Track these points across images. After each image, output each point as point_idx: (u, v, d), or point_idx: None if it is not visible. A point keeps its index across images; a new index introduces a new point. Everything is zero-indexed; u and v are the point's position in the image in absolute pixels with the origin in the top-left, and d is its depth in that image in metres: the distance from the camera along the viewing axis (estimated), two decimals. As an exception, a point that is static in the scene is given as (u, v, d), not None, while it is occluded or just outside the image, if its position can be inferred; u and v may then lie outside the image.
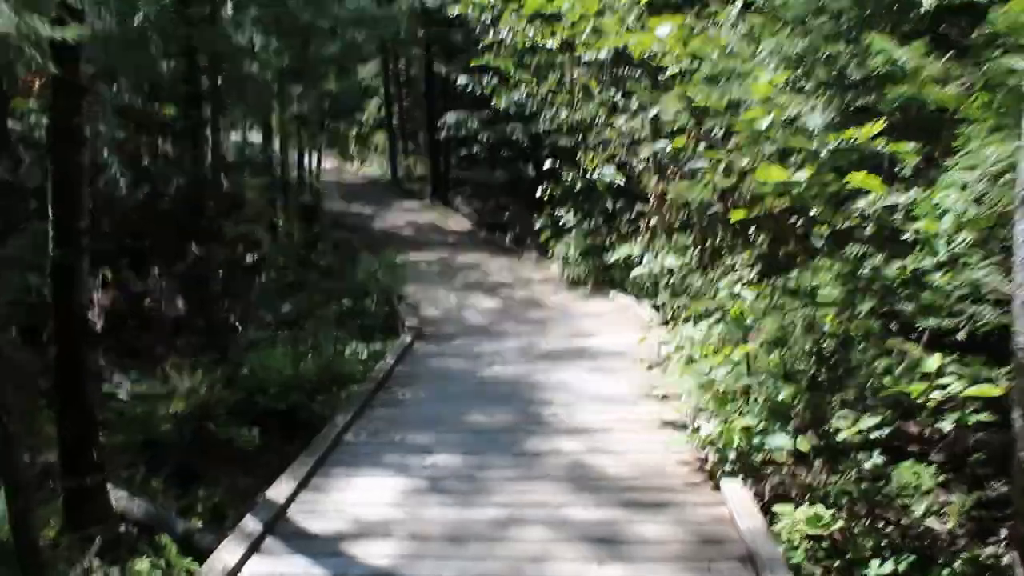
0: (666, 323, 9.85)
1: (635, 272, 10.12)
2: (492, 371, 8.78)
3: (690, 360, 7.11)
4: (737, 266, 7.49)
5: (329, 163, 33.31)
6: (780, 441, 5.50)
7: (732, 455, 5.54)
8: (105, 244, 14.30)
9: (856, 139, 5.45)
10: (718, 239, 8.39)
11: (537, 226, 14.50)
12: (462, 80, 18.65)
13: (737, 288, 7.03)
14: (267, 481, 5.66)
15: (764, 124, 6.04)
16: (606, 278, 13.13)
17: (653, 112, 9.53)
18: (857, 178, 5.20)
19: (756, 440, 5.57)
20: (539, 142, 22.13)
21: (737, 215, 6.61)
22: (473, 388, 8.17)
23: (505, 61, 15.40)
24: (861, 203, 5.50)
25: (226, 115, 14.86)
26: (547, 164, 13.18)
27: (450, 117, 20.75)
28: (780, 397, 5.83)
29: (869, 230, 5.69)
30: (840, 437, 5.29)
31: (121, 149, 13.60)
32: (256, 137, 23.32)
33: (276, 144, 19.88)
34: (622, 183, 12.58)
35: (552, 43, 12.99)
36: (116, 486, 6.54)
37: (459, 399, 7.76)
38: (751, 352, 6.25)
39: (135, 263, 13.69)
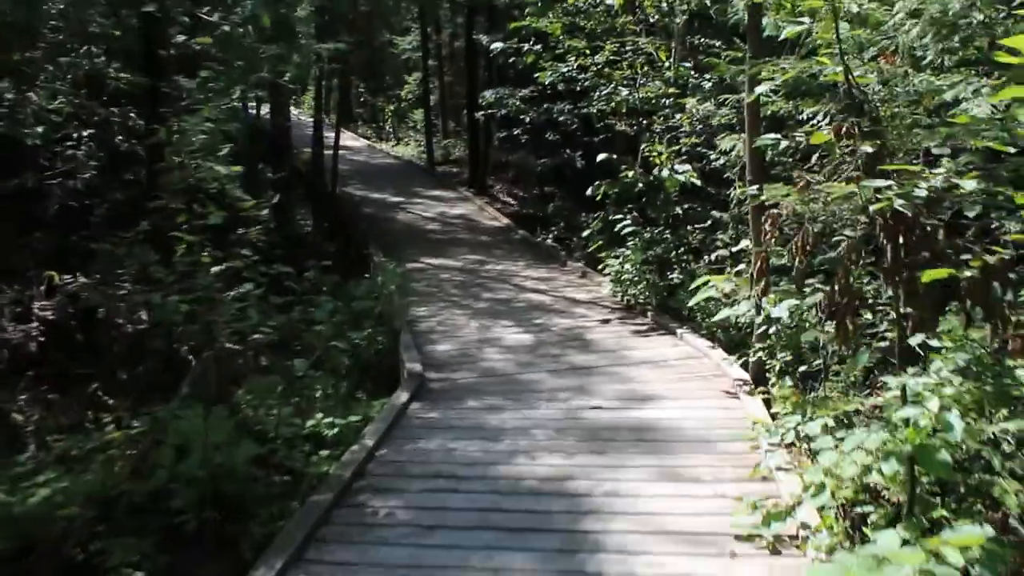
0: (763, 394, 6.97)
1: (722, 315, 7.22)
2: (515, 467, 5.97)
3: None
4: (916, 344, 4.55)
5: (359, 141, 30.72)
6: None
7: None
8: (47, 240, 11.85)
9: None
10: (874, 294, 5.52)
11: (586, 233, 11.61)
12: (496, 47, 15.84)
13: (916, 382, 4.14)
14: None
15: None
16: (670, 306, 10.25)
17: (756, 89, 6.60)
18: None
19: None
20: (591, 126, 19.30)
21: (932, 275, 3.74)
22: (486, 504, 5.37)
23: (553, 25, 12.57)
24: None
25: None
26: (601, 156, 10.23)
27: (488, 93, 17.89)
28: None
29: None
30: None
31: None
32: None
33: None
34: (697, 183, 9.69)
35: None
36: None
37: (462, 529, 5.01)
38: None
39: (84, 263, 11.16)
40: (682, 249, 10.73)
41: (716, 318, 7.68)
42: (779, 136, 5.96)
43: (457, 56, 30.05)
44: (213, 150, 10.64)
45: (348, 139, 31.25)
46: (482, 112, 20.86)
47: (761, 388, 7.06)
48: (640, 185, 9.98)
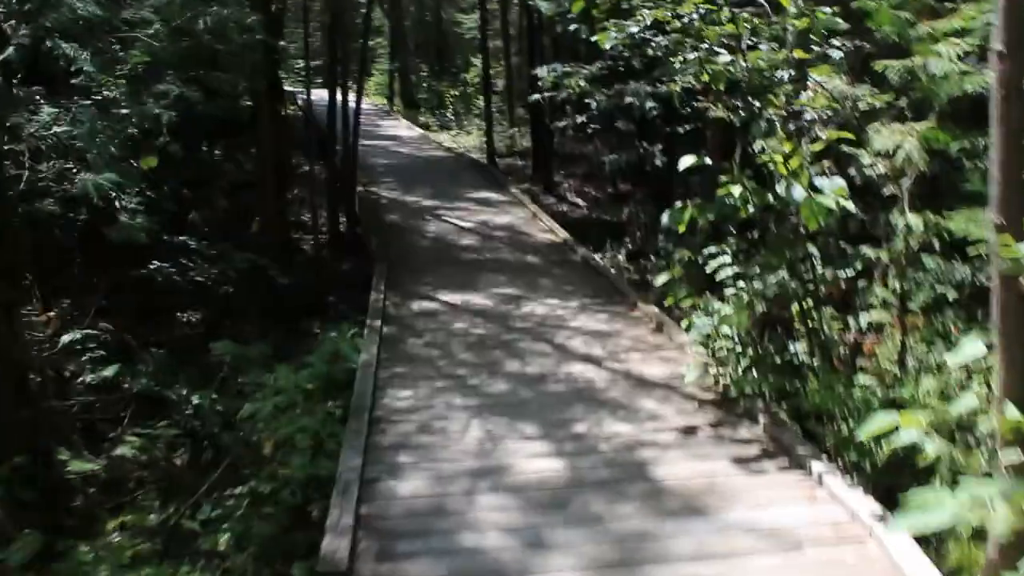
0: None
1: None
2: None
3: None
4: None
5: (413, 130, 27.22)
6: None
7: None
8: None
9: None
10: None
11: (661, 279, 7.63)
12: (544, 6, 12.08)
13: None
14: None
15: None
16: (796, 405, 6.29)
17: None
18: None
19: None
20: (674, 110, 15.25)
21: None
22: None
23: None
24: None
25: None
26: (687, 161, 6.17)
27: (542, 70, 14.00)
28: None
29: None
30: None
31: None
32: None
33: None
34: (851, 209, 5.66)
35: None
36: None
37: None
38: None
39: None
40: (812, 306, 6.72)
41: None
42: None
43: (524, 34, 26.17)
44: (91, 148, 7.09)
45: (402, 128, 27.82)
46: (539, 95, 17.04)
47: None
48: (751, 208, 5.98)
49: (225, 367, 7.18)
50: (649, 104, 13.72)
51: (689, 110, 14.50)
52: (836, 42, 7.49)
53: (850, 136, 6.12)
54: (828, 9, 6.49)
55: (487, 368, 7.72)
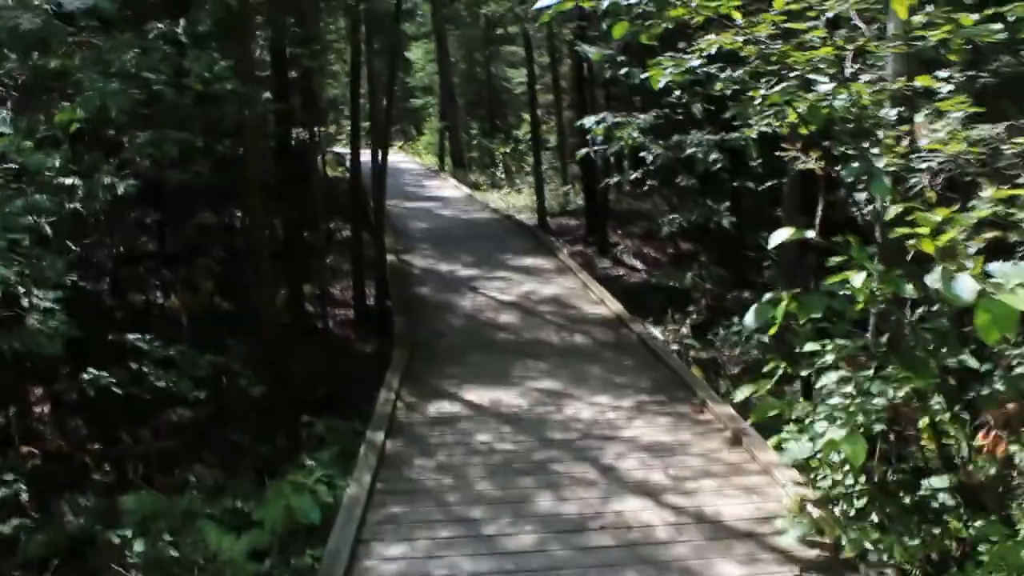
0: None
1: None
2: None
3: None
4: None
5: (460, 190, 25.77)
6: None
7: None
8: None
9: None
10: None
11: (740, 395, 5.71)
12: (588, 52, 10.47)
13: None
14: None
15: None
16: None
17: None
18: None
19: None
20: (740, 161, 13.41)
21: None
22: None
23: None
24: None
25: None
26: (780, 235, 4.24)
27: (589, 120, 12.28)
28: None
29: None
30: None
31: None
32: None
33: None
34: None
35: None
36: None
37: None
38: None
39: None
40: (960, 428, 4.72)
41: None
42: None
43: (575, 86, 24.64)
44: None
45: (448, 188, 26.40)
46: (590, 149, 15.35)
47: None
48: (880, 301, 4.05)
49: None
50: (713, 156, 11.88)
51: (759, 160, 12.69)
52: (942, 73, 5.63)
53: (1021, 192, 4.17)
54: (974, 16, 4.60)
55: (511, 507, 5.82)
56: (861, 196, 5.98)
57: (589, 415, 7.69)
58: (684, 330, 13.15)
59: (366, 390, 9.28)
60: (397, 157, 36.71)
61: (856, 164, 4.72)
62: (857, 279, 3.94)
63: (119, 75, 6.85)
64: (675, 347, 12.04)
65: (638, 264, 18.41)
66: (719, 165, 12.78)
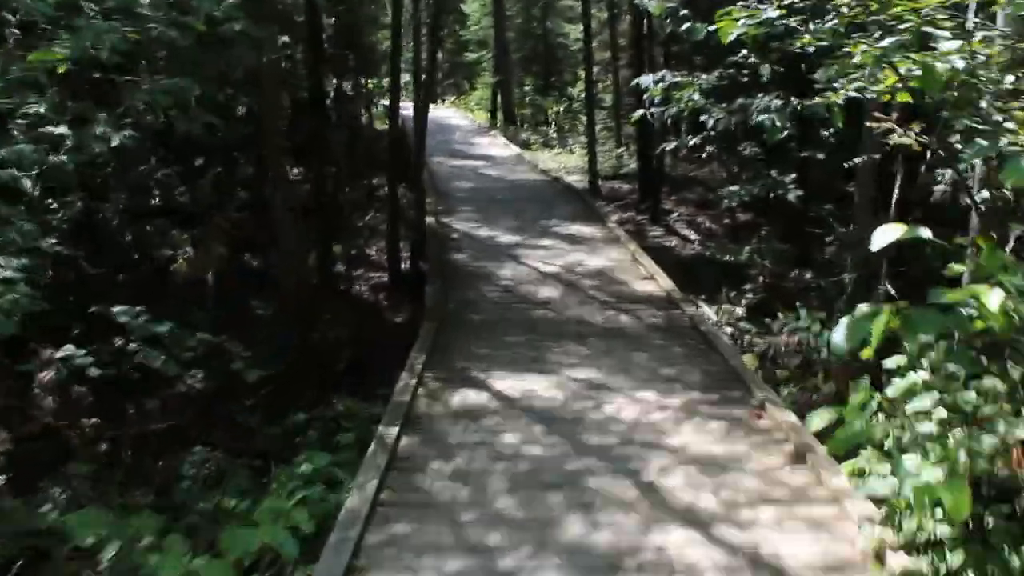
0: None
1: None
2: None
3: None
4: None
5: (509, 149, 24.79)
6: None
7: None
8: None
9: None
10: None
11: (819, 420, 4.79)
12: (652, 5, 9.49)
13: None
14: None
15: None
16: None
17: None
18: None
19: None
20: (811, 129, 12.30)
21: None
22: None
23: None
24: None
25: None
26: (884, 232, 3.28)
27: (646, 79, 11.20)
28: None
29: None
30: None
31: None
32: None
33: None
34: None
35: None
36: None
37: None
38: None
39: None
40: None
41: None
42: None
43: (633, 43, 23.38)
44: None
45: (497, 147, 25.45)
46: (647, 111, 14.24)
47: None
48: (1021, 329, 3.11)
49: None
50: (786, 124, 10.76)
51: (832, 131, 11.55)
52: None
53: None
54: None
55: (534, 532, 4.98)
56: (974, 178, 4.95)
57: (631, 415, 6.79)
58: (739, 311, 12.14)
59: (391, 360, 8.53)
60: (447, 112, 35.79)
61: (984, 142, 3.70)
62: (993, 299, 2.97)
63: (116, 11, 6.06)
64: (728, 329, 11.08)
65: (692, 234, 17.33)
66: (786, 133, 11.68)
